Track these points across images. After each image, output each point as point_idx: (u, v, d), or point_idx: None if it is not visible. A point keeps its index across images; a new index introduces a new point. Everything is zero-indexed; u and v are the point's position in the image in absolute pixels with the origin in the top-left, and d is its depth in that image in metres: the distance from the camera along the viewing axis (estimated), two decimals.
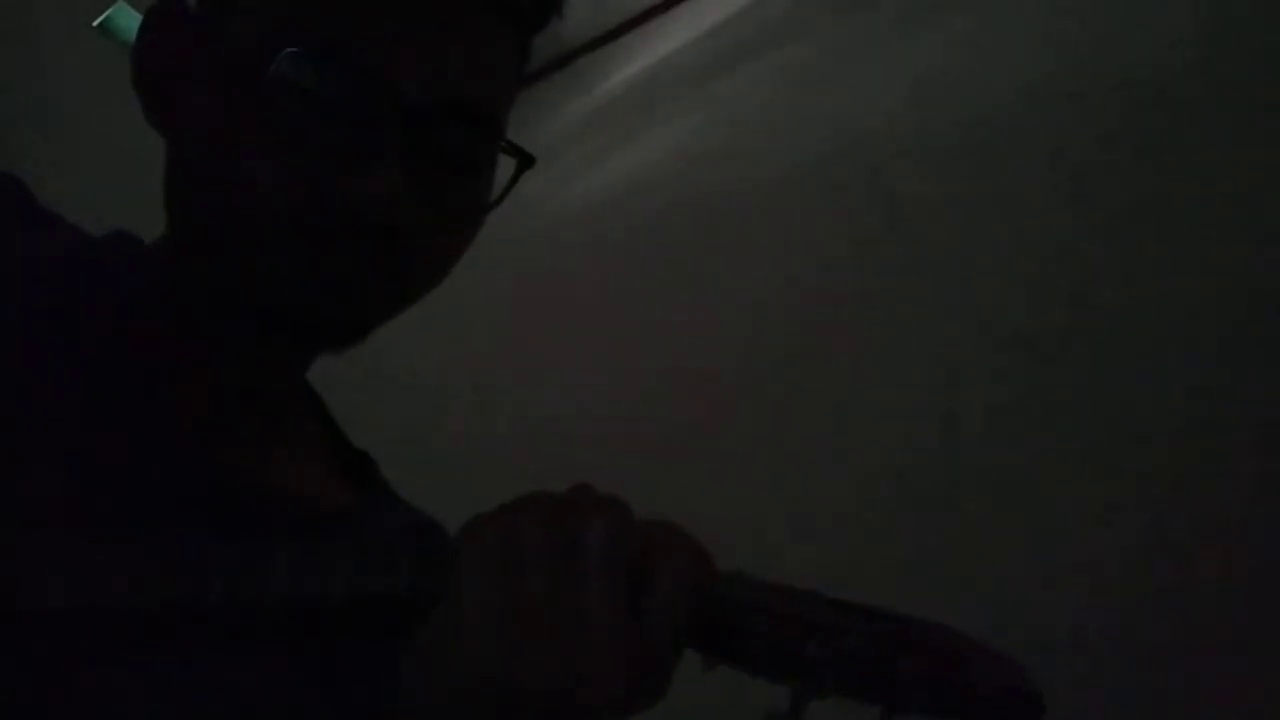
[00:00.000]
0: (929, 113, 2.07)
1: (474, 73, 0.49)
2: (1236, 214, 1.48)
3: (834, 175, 2.17)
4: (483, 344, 2.50)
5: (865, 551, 1.51)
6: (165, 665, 0.41)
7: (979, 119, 1.97)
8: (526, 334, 2.50)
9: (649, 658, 0.36)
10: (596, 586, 0.36)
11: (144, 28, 0.52)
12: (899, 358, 1.79)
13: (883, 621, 0.37)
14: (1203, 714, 1.13)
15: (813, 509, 1.66)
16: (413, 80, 0.46)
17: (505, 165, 0.54)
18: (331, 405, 0.66)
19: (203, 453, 0.50)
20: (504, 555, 0.36)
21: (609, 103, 2.80)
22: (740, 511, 1.66)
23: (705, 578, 0.37)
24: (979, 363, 1.64)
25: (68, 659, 0.39)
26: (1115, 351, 1.50)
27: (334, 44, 0.46)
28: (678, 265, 2.36)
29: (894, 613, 0.37)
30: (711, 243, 2.33)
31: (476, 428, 2.24)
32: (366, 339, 0.53)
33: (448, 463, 1.68)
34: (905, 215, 1.98)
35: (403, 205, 0.46)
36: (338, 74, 0.46)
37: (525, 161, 0.53)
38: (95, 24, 2.56)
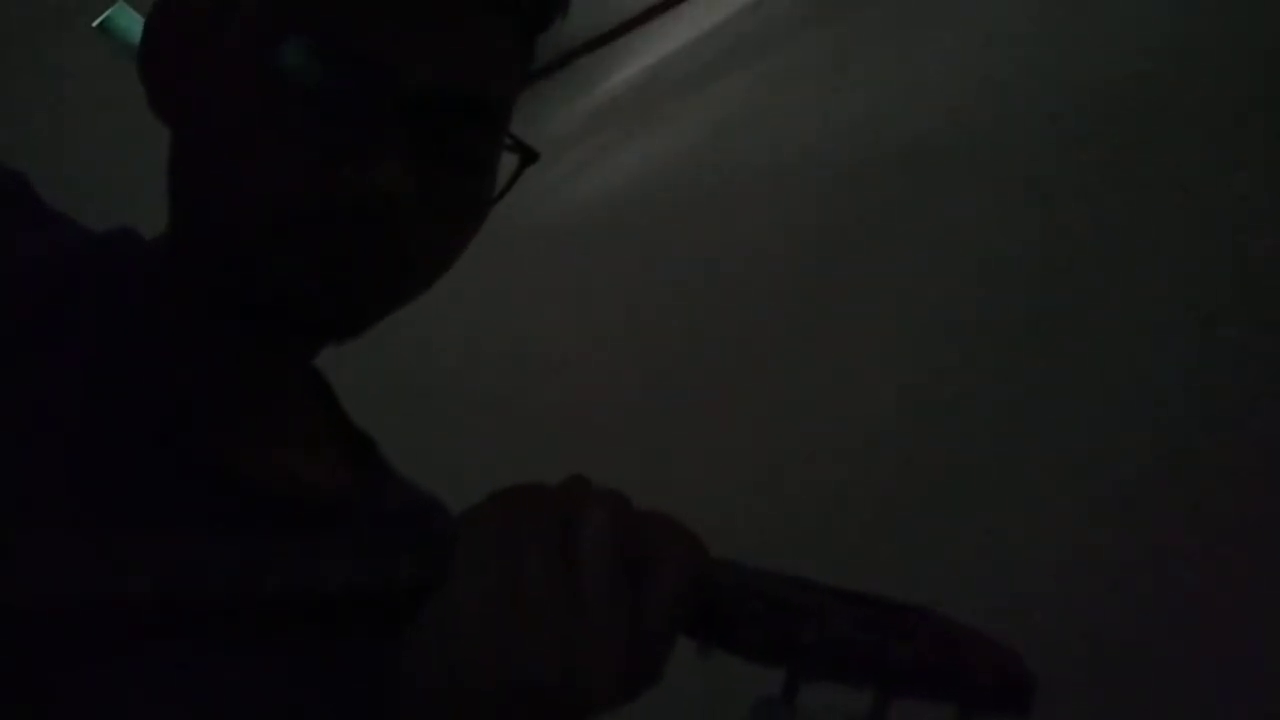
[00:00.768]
0: (929, 112, 2.07)
1: (476, 67, 0.49)
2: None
3: (833, 174, 2.17)
4: (483, 341, 2.50)
5: (863, 541, 1.51)
6: (165, 662, 0.41)
7: (979, 118, 1.97)
8: (526, 332, 2.51)
9: (646, 648, 0.36)
10: (593, 577, 0.36)
11: (151, 18, 0.52)
12: (900, 354, 1.79)
13: (875, 607, 0.37)
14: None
15: (803, 493, 1.66)
16: (415, 73, 0.46)
17: (507, 161, 0.54)
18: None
19: (205, 443, 0.50)
20: (501, 547, 0.36)
21: (609, 103, 2.80)
22: (734, 498, 1.66)
23: (702, 570, 0.38)
24: (978, 355, 1.65)
25: (67, 656, 0.39)
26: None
27: (337, 36, 0.46)
28: (677, 263, 2.36)
29: (886, 598, 0.37)
30: (711, 241, 2.33)
31: (476, 423, 2.25)
32: (367, 331, 0.53)
33: (450, 454, 1.69)
34: (905, 213, 1.99)
35: (403, 198, 0.46)
36: (340, 66, 0.46)
37: (528, 157, 0.53)
38: (95, 24, 2.56)
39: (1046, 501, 1.38)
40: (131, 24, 2.51)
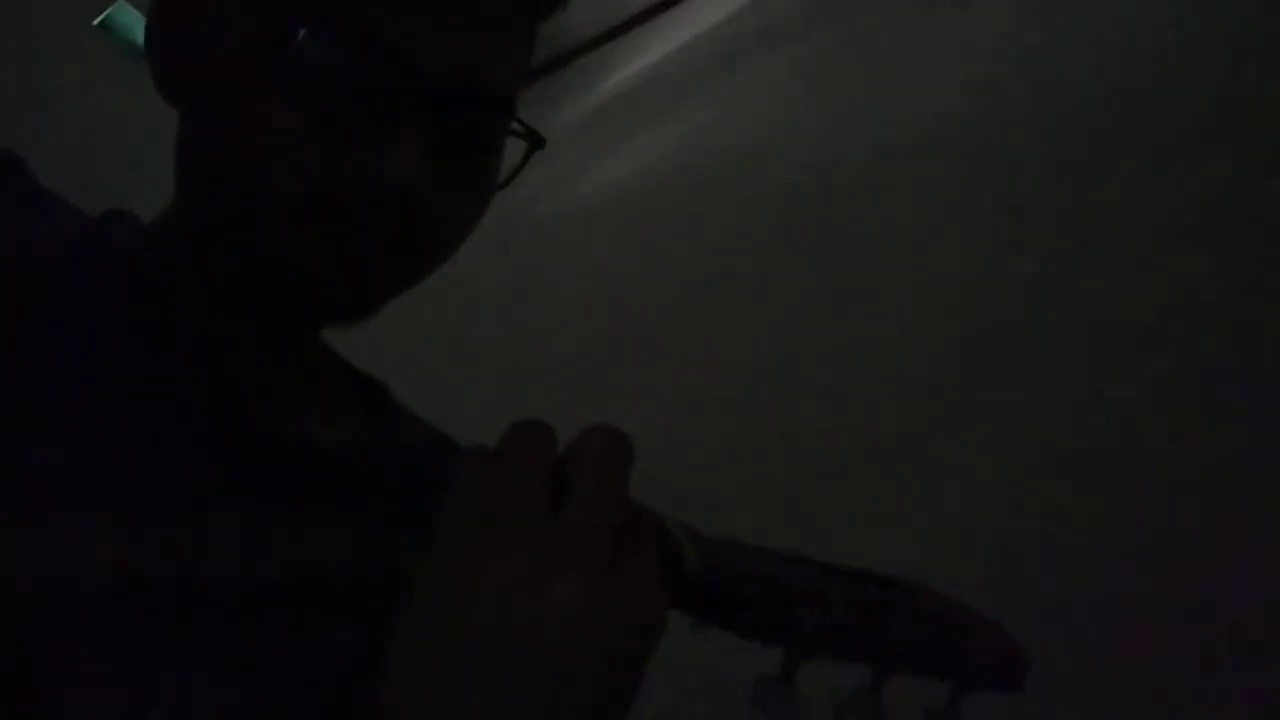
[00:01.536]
0: (928, 112, 2.07)
1: (493, 56, 0.49)
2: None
3: (833, 174, 2.17)
4: (482, 340, 2.50)
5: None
6: (170, 642, 0.41)
7: (982, 117, 1.98)
8: (526, 331, 2.51)
9: (600, 577, 0.34)
10: (581, 576, 0.35)
11: (159, 2, 0.52)
12: (896, 351, 1.79)
13: (873, 584, 0.37)
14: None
15: (802, 483, 1.66)
16: (437, 62, 0.47)
17: (512, 149, 0.55)
18: None
19: (216, 411, 0.50)
20: (473, 543, 0.35)
21: (609, 102, 2.80)
22: (731, 506, 1.67)
23: (623, 467, 0.36)
24: (990, 350, 1.65)
25: (76, 636, 0.39)
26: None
27: (356, 22, 0.46)
28: (677, 262, 2.36)
29: (884, 575, 0.37)
30: (711, 240, 2.33)
31: (473, 421, 2.25)
32: (371, 316, 0.53)
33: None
34: (903, 212, 1.99)
35: (418, 184, 0.46)
36: (359, 52, 0.46)
37: (536, 143, 0.53)
38: (96, 23, 2.57)
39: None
40: (132, 21, 2.52)
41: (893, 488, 1.62)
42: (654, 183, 2.50)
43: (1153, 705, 1.11)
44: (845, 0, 2.25)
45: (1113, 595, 1.24)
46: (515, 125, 0.52)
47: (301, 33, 0.45)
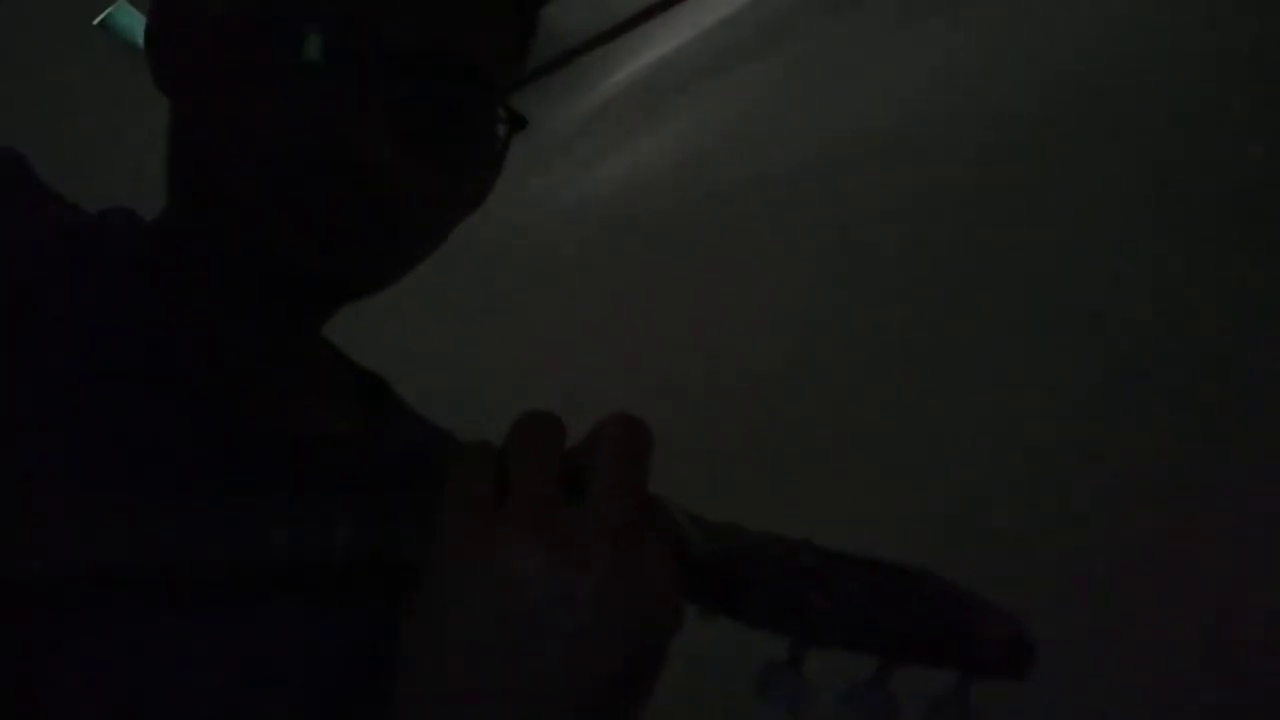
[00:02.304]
0: (928, 111, 2.08)
1: (464, 25, 0.49)
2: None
3: (833, 174, 2.17)
4: (482, 339, 2.50)
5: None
6: (173, 628, 0.41)
7: (981, 117, 1.98)
8: (526, 330, 2.51)
9: (620, 562, 0.33)
10: (601, 563, 0.34)
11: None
12: (897, 353, 1.79)
13: (879, 571, 0.37)
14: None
15: (817, 511, 1.66)
16: (403, 30, 0.47)
17: (514, 161, 0.55)
18: None
19: (216, 403, 0.50)
20: (485, 537, 0.35)
21: (609, 102, 2.80)
22: (735, 496, 1.66)
23: (642, 456, 0.36)
24: (986, 349, 1.65)
25: (76, 623, 0.39)
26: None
27: None
28: (677, 264, 2.36)
29: (890, 562, 0.37)
30: (711, 242, 2.33)
31: (473, 420, 2.25)
32: (365, 298, 0.53)
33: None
34: (903, 212, 1.99)
35: (385, 156, 0.46)
36: (337, 28, 0.46)
37: (517, 124, 0.53)
38: (96, 23, 2.57)
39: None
40: (132, 21, 2.52)
41: (878, 471, 1.63)
42: (654, 182, 2.50)
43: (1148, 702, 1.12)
44: (844, 2, 2.25)
45: (1084, 582, 1.25)
46: (498, 111, 0.52)
47: (271, 9, 0.45)
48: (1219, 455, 1.29)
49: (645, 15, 2.69)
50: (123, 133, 2.40)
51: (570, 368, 2.34)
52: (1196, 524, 1.25)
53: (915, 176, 2.02)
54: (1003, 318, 1.69)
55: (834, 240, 2.08)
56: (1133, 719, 1.18)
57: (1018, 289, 1.71)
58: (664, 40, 2.70)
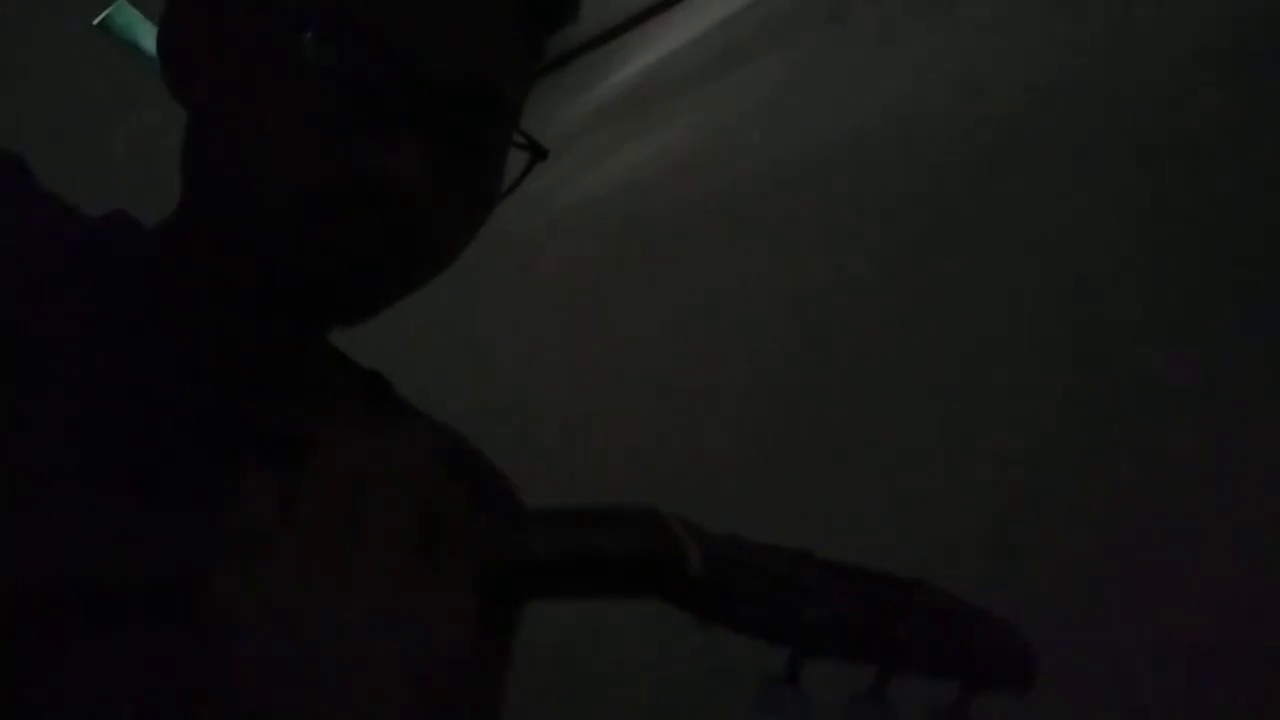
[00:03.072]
0: (926, 112, 2.07)
1: (494, 59, 0.50)
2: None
3: (833, 174, 2.17)
4: (482, 339, 2.50)
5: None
6: (172, 633, 0.41)
7: (978, 118, 1.97)
8: (526, 330, 2.51)
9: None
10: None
11: (171, 1, 0.53)
12: (897, 353, 1.79)
13: (877, 583, 0.37)
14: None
15: (818, 516, 1.66)
16: (436, 60, 0.47)
17: (515, 160, 0.55)
18: None
19: (220, 406, 0.50)
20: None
21: (609, 103, 2.80)
22: (736, 502, 1.66)
23: (423, 474, 0.35)
24: (992, 361, 1.65)
25: (79, 628, 0.39)
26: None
27: (358, 22, 0.46)
28: (677, 264, 2.36)
29: (888, 574, 0.37)
30: (711, 242, 2.33)
31: (473, 421, 2.24)
32: (374, 317, 0.54)
33: None
34: (903, 213, 1.99)
35: (417, 184, 0.46)
36: (360, 52, 0.46)
37: (538, 154, 0.54)
38: (95, 23, 2.56)
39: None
40: (132, 22, 2.51)
41: (879, 474, 1.63)
42: (654, 182, 2.50)
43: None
44: (843, 2, 2.25)
45: (1084, 582, 1.26)
46: (518, 136, 0.52)
47: (306, 33, 0.45)
48: (1219, 455, 1.29)
49: (645, 15, 2.69)
50: (122, 133, 2.40)
51: (570, 368, 2.34)
52: (1196, 524, 1.25)
53: (914, 177, 2.01)
54: (1002, 317, 1.69)
55: (834, 240, 2.08)
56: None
57: (1017, 289, 1.71)
58: (664, 40, 2.70)
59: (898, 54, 2.19)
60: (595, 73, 2.81)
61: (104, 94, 2.43)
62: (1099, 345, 1.52)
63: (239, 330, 0.53)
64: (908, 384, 1.75)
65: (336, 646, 0.42)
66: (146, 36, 2.53)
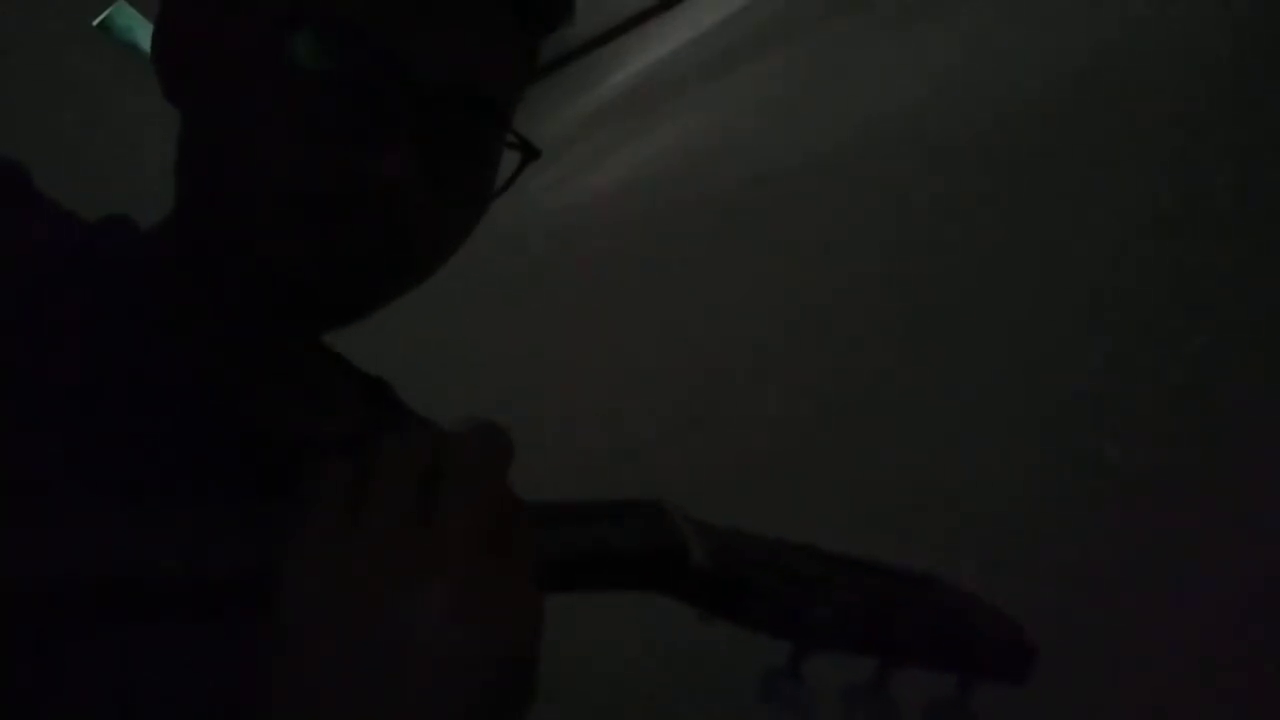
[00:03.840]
0: (926, 112, 2.07)
1: (487, 62, 0.50)
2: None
3: (833, 174, 2.17)
4: (482, 338, 2.50)
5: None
6: (170, 639, 0.41)
7: (979, 118, 1.97)
8: (526, 330, 2.51)
9: (458, 570, 0.32)
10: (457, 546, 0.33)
11: (166, 4, 0.52)
12: (898, 353, 1.79)
13: (880, 575, 0.37)
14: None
15: (818, 515, 1.66)
16: (427, 63, 0.47)
17: (507, 160, 0.55)
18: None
19: (218, 411, 0.50)
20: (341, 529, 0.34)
21: (609, 102, 2.80)
22: (736, 496, 1.66)
23: (497, 463, 0.35)
24: (984, 348, 1.65)
25: (76, 631, 0.39)
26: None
27: (350, 25, 0.46)
28: (677, 264, 2.36)
29: (889, 566, 0.37)
30: (711, 242, 2.33)
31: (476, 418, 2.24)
32: (365, 318, 0.54)
33: None
34: (902, 212, 1.99)
35: (408, 186, 0.46)
36: (352, 55, 0.46)
37: (530, 154, 0.54)
38: (95, 23, 2.56)
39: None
40: (132, 22, 2.52)
41: (880, 472, 1.63)
42: (654, 182, 2.50)
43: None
44: (844, 2, 2.25)
45: (1083, 586, 1.26)
46: (510, 137, 0.52)
47: (297, 36, 0.45)
48: (1219, 455, 1.29)
49: (645, 15, 2.69)
50: (122, 134, 2.39)
51: (570, 368, 2.34)
52: (1196, 525, 1.25)
53: (914, 177, 2.01)
54: (1002, 317, 1.69)
55: (834, 240, 2.08)
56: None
57: (1017, 288, 1.71)
58: (664, 40, 2.70)
59: (897, 54, 2.19)
60: (595, 73, 2.81)
61: (104, 94, 2.43)
62: (1099, 345, 1.52)
63: (234, 331, 0.53)
64: (909, 384, 1.75)
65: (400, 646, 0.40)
66: (146, 37, 2.53)
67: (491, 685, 0.31)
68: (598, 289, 2.44)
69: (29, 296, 0.49)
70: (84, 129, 2.41)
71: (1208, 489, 1.27)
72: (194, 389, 0.50)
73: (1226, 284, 1.42)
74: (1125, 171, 1.65)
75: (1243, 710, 1.11)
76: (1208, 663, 1.15)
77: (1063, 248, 1.68)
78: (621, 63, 2.78)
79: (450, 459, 0.35)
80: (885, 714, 0.35)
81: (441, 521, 0.33)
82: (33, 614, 0.37)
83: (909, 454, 1.65)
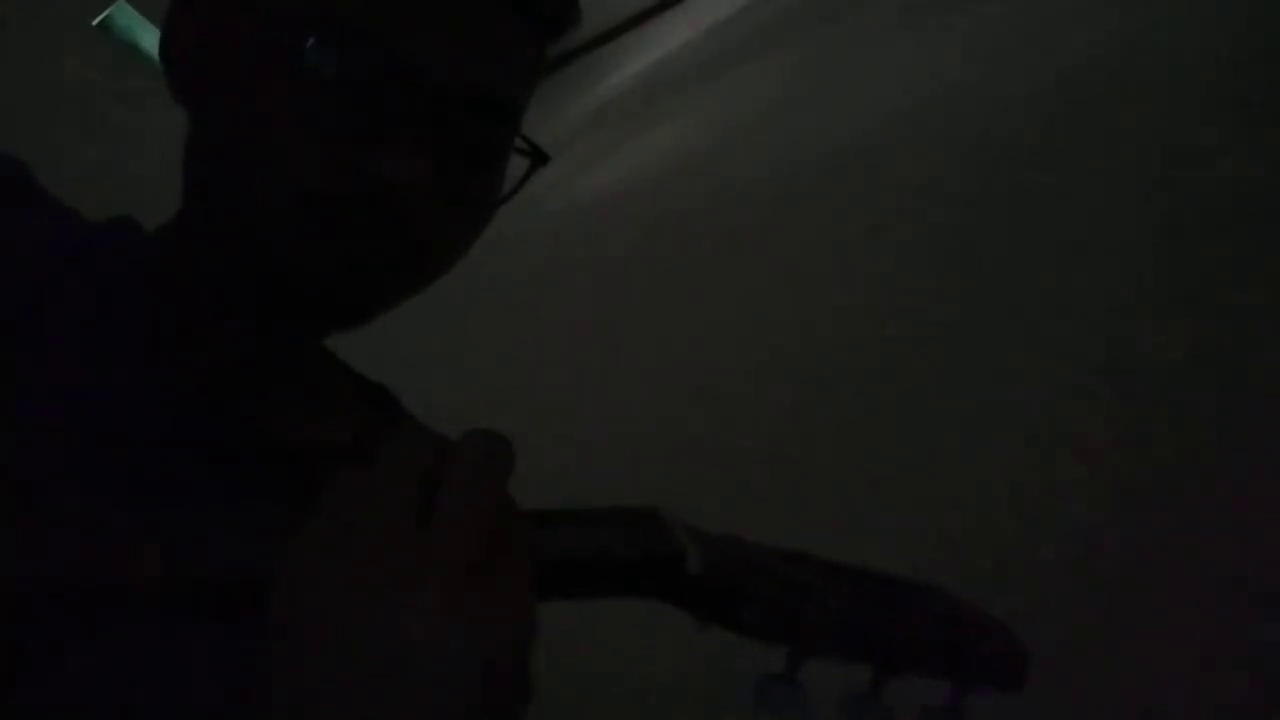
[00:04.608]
0: (927, 111, 2.08)
1: (497, 66, 0.50)
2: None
3: (832, 173, 2.17)
4: (483, 338, 2.50)
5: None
6: (164, 640, 0.41)
7: (976, 118, 1.98)
8: (526, 329, 2.51)
9: (456, 578, 0.32)
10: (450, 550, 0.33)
11: (174, 6, 0.52)
12: (898, 352, 1.79)
13: (874, 583, 0.37)
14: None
15: (814, 521, 1.66)
16: (438, 66, 0.47)
17: (515, 162, 0.55)
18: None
19: (220, 414, 0.50)
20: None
21: (609, 102, 2.80)
22: (734, 502, 1.66)
23: (496, 471, 0.35)
24: (984, 348, 1.65)
25: (70, 632, 0.39)
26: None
27: (362, 26, 0.46)
28: (677, 262, 2.36)
29: (885, 574, 0.37)
30: (711, 240, 2.33)
31: (472, 420, 2.25)
32: (371, 321, 0.54)
33: None
34: (900, 212, 1.99)
35: (419, 189, 0.46)
36: (363, 59, 0.46)
37: (539, 159, 0.54)
38: (95, 23, 2.57)
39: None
40: (132, 22, 2.51)
41: (879, 479, 1.63)
42: (654, 182, 2.50)
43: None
44: (844, 2, 2.26)
45: (1093, 589, 1.26)
46: (519, 141, 0.52)
47: (308, 39, 0.45)
48: (1219, 455, 1.29)
49: (645, 15, 2.69)
50: (122, 134, 2.40)
51: (570, 368, 2.35)
52: (1196, 526, 1.25)
53: (915, 175, 2.02)
54: (1003, 316, 1.69)
55: (833, 240, 2.08)
56: None
57: (1017, 288, 1.71)
58: (664, 40, 2.70)
59: (895, 55, 2.19)
60: (595, 73, 2.81)
61: (104, 94, 2.43)
62: (1102, 344, 1.52)
63: (237, 334, 0.53)
64: (909, 383, 1.75)
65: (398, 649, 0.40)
66: (146, 37, 2.53)
67: (487, 687, 0.32)
68: (597, 288, 2.44)
69: (32, 296, 0.49)
70: (84, 129, 2.41)
71: (1207, 489, 1.27)
72: (196, 391, 0.50)
73: (1226, 284, 1.42)
74: (1125, 171, 1.65)
75: (1243, 710, 1.11)
76: (1207, 662, 1.15)
77: (1063, 246, 1.68)
78: (621, 63, 2.78)
79: (450, 464, 0.35)
80: (880, 719, 0.35)
81: (440, 525, 0.33)
82: (33, 614, 0.37)
83: (909, 454, 1.65)
